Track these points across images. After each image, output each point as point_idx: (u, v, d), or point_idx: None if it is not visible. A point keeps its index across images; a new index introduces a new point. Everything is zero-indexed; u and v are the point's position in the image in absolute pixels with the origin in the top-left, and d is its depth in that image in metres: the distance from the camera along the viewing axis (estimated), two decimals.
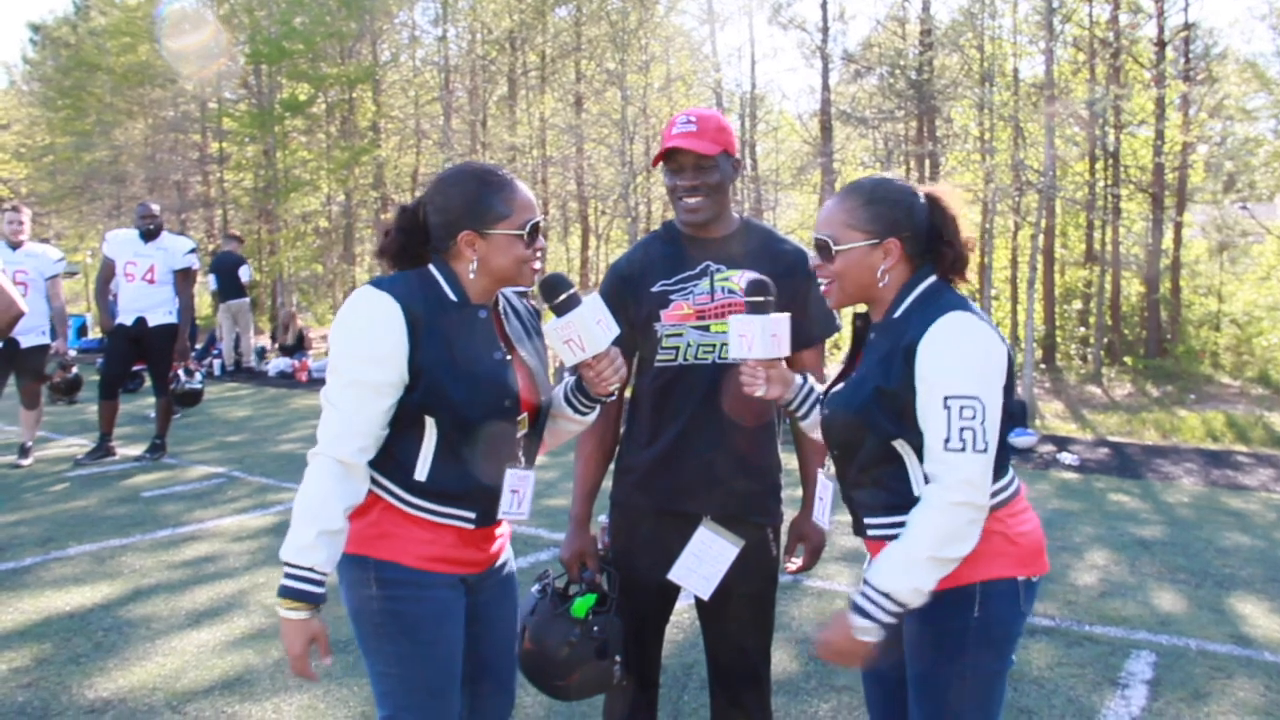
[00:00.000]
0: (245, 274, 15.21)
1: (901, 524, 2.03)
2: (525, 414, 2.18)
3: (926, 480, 1.97)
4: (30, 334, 7.37)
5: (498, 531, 2.25)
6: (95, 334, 12.01)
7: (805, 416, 2.28)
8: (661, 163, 2.48)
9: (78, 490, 6.96)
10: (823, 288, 2.13)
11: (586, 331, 2.11)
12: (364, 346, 1.99)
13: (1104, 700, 3.72)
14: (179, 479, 7.39)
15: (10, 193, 26.64)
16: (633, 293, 2.54)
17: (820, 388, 2.29)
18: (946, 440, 1.90)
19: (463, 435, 2.07)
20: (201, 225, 23.04)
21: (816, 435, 2.31)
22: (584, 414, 2.31)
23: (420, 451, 2.06)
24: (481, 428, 2.08)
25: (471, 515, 2.12)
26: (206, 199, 23.00)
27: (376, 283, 2.07)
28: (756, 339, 2.15)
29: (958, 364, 1.93)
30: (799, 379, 2.27)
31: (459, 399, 2.03)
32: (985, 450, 1.90)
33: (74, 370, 8.72)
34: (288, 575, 1.96)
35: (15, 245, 7.57)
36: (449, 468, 2.08)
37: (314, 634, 1.99)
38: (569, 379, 2.29)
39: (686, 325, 2.48)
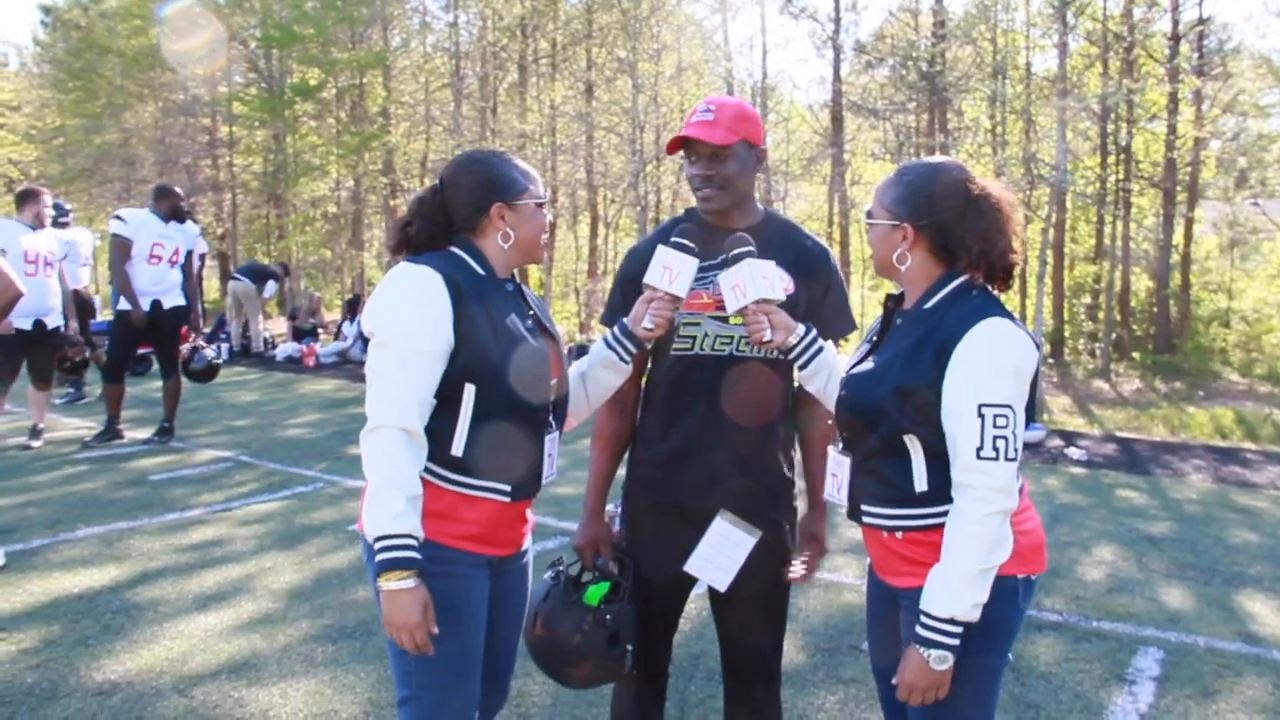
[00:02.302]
0: (269, 290, 15.44)
1: (896, 517, 2.06)
2: (556, 379, 2.25)
3: (947, 484, 1.98)
4: (52, 315, 7.43)
5: (527, 513, 2.29)
6: (105, 316, 12.05)
7: (806, 366, 2.29)
8: (681, 150, 2.45)
9: (86, 473, 6.98)
10: None
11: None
12: (413, 315, 2.04)
13: (1111, 696, 3.71)
14: (186, 462, 7.41)
15: (21, 174, 26.66)
16: None
17: (824, 342, 2.31)
18: (980, 448, 1.92)
19: (500, 403, 2.11)
20: (210, 209, 23.02)
21: (812, 386, 2.33)
22: (626, 362, 2.36)
23: (457, 426, 2.10)
24: (519, 393, 2.13)
25: (507, 488, 2.16)
26: (216, 183, 23.01)
27: (412, 259, 2.13)
28: (748, 283, 2.22)
29: (995, 373, 1.94)
30: (803, 326, 2.27)
31: (501, 361, 2.10)
32: (1015, 458, 1.94)
33: (86, 351, 8.71)
34: (386, 548, 1.95)
35: (38, 227, 7.56)
36: (485, 440, 2.12)
37: (425, 601, 1.99)
38: (612, 329, 2.37)
39: (705, 315, 2.43)
